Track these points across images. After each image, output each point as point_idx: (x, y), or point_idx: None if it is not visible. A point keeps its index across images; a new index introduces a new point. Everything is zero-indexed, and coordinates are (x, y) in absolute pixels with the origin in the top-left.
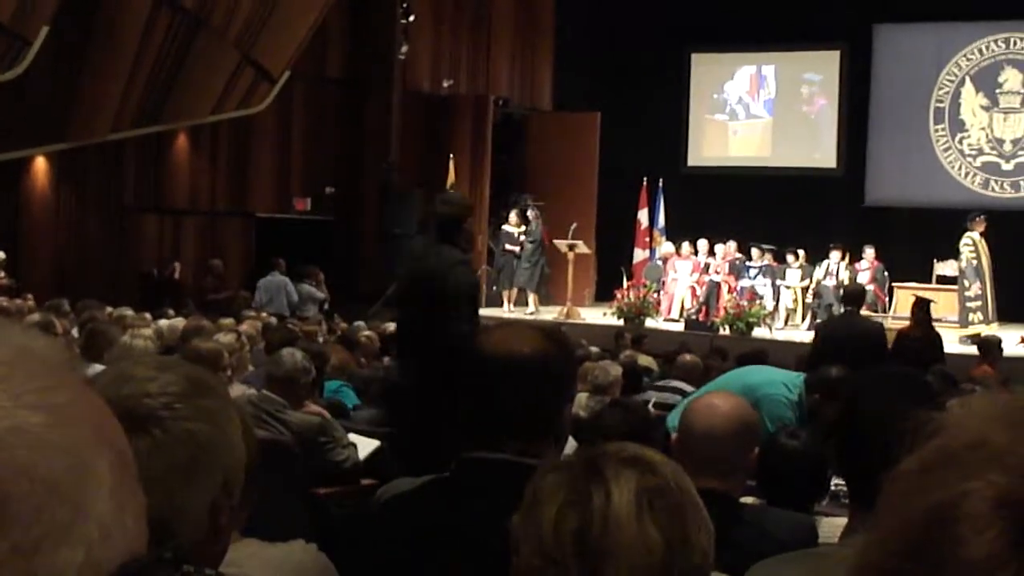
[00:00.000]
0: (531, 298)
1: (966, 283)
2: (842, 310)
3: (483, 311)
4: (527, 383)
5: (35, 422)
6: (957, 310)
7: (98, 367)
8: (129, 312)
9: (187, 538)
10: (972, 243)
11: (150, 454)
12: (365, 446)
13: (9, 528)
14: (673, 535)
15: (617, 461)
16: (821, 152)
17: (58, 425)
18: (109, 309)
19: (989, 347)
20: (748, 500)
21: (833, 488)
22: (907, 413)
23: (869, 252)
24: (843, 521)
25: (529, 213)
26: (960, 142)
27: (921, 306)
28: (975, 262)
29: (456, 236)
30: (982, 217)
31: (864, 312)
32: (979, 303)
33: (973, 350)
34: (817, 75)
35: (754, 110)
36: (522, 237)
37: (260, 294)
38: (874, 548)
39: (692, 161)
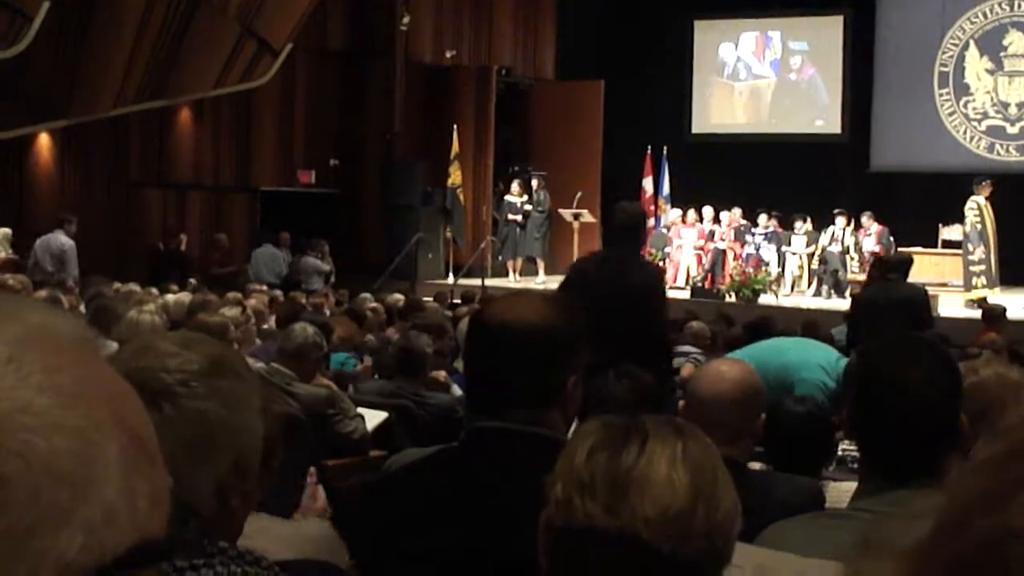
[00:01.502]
0: (541, 267)
1: (970, 247)
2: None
3: (489, 282)
4: (532, 352)
5: (41, 403)
6: (962, 274)
7: (107, 343)
8: (136, 287)
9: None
10: (977, 207)
11: (158, 430)
12: (373, 417)
13: (4, 510)
14: (702, 486)
15: (657, 422)
16: (822, 118)
17: (65, 406)
18: (116, 284)
19: (994, 315)
20: (756, 466)
21: (840, 453)
22: (922, 378)
23: (867, 219)
24: (850, 486)
25: (534, 183)
26: (965, 106)
27: (879, 264)
28: (979, 226)
29: (635, 240)
30: (988, 181)
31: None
32: (983, 267)
33: (977, 314)
34: (807, 43)
35: (758, 72)
36: (527, 207)
37: (253, 265)
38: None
39: (696, 128)
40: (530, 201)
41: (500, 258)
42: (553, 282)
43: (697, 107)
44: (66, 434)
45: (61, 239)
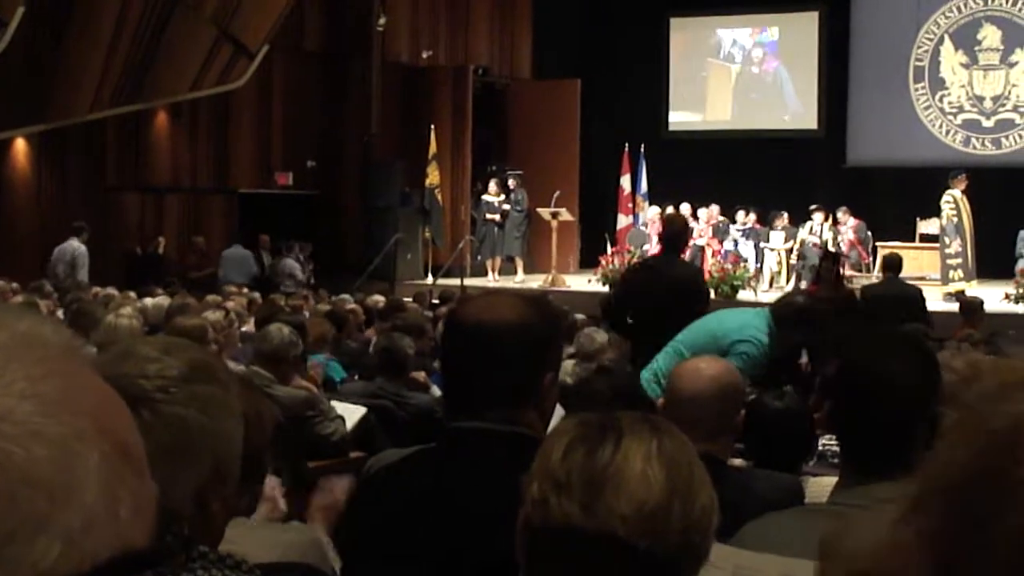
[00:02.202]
0: (520, 266)
1: (947, 240)
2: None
3: (468, 281)
4: (508, 350)
5: (22, 411)
6: (939, 268)
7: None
8: (114, 291)
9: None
10: (953, 200)
11: None
12: (352, 413)
13: None
14: (677, 483)
15: (632, 419)
16: (798, 114)
17: (46, 414)
18: (95, 289)
19: (972, 308)
20: (736, 462)
21: (821, 448)
22: (901, 372)
23: (844, 214)
24: (831, 480)
25: (511, 182)
26: (940, 100)
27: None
28: (956, 219)
29: (682, 247)
30: (964, 175)
31: (848, 272)
32: (959, 260)
33: (955, 307)
34: (782, 39)
35: (735, 68)
36: (505, 206)
37: (223, 266)
38: (935, 475)
39: (674, 126)
40: (508, 200)
41: (479, 258)
42: (533, 281)
43: (674, 104)
44: (46, 442)
45: (75, 245)
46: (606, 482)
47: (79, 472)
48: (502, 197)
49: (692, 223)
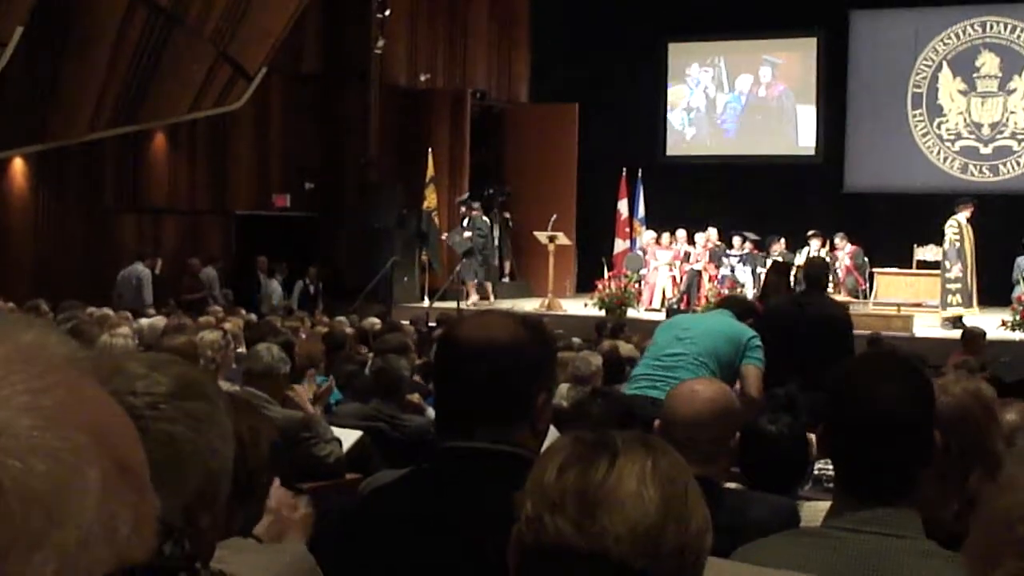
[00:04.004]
0: (471, 288)
1: (947, 264)
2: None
3: (464, 305)
4: (500, 369)
5: (21, 424)
6: (939, 293)
7: None
8: (109, 311)
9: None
10: (957, 226)
11: None
12: (348, 437)
13: None
14: (672, 503)
15: (627, 438)
16: (796, 139)
17: (46, 428)
18: (91, 309)
19: (973, 338)
20: (731, 485)
21: (816, 472)
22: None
23: (841, 240)
24: (825, 505)
25: (462, 208)
26: (938, 127)
27: (776, 270)
28: (958, 244)
29: (824, 282)
30: (971, 202)
31: (844, 298)
32: (959, 286)
33: (953, 334)
34: (780, 65)
35: (732, 94)
36: (467, 233)
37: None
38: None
39: (671, 151)
40: (469, 227)
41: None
42: (528, 304)
43: (671, 129)
44: (44, 457)
45: (140, 269)
46: (600, 501)
47: (77, 488)
48: (465, 223)
49: (689, 248)
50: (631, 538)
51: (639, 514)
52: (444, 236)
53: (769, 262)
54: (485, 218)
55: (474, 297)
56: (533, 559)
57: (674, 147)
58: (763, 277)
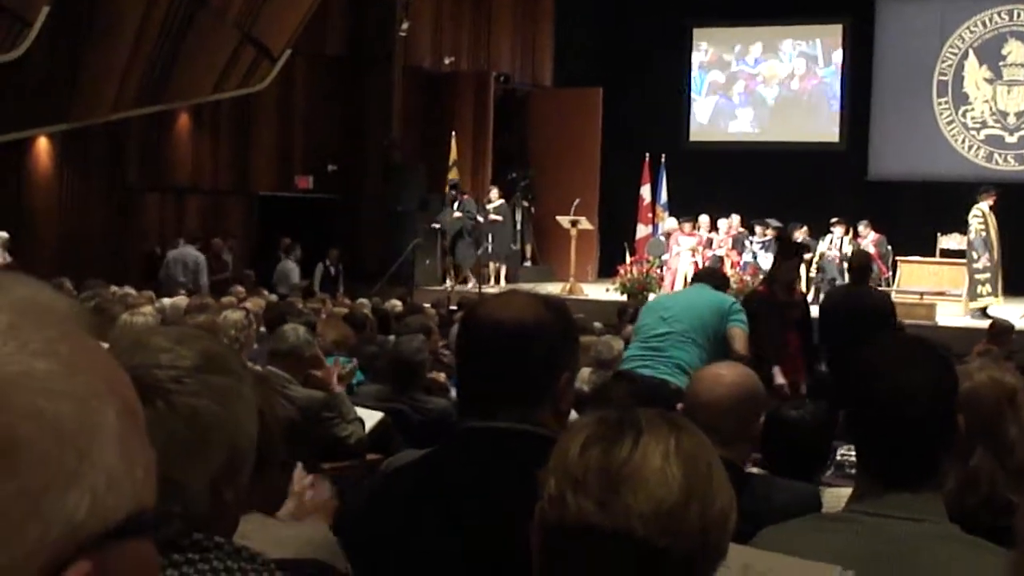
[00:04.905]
0: (492, 272)
1: (975, 255)
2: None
3: (485, 288)
4: (524, 349)
5: (43, 368)
6: (965, 283)
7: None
8: (131, 291)
9: (187, 511)
10: (981, 215)
11: (150, 426)
12: (370, 417)
13: (16, 471)
14: (696, 481)
15: (651, 416)
16: (821, 126)
17: (65, 373)
18: (113, 288)
19: (1001, 331)
20: (753, 471)
21: (839, 458)
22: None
23: (864, 228)
24: (846, 492)
25: (452, 192)
26: (963, 115)
27: (788, 250)
28: (984, 234)
29: (869, 277)
30: (992, 190)
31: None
32: (988, 275)
33: (980, 324)
34: (814, 49)
35: (756, 80)
36: (457, 214)
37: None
38: None
39: (695, 136)
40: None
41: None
42: (551, 288)
43: (695, 115)
44: (69, 399)
45: (194, 253)
46: (624, 479)
47: (100, 430)
48: (500, 202)
49: (711, 234)
50: (655, 516)
51: (663, 492)
52: (435, 224)
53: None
54: (501, 201)
55: (493, 282)
56: (556, 537)
57: (697, 133)
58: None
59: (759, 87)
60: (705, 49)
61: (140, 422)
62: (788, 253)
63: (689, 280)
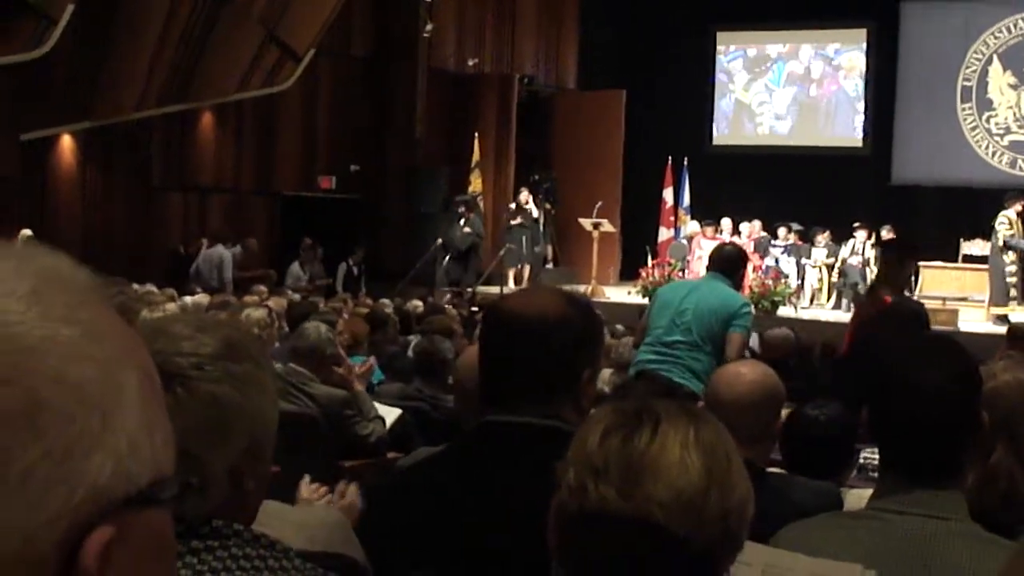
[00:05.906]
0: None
1: (1005, 260)
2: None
3: (508, 289)
4: (546, 343)
5: (66, 334)
6: (988, 289)
7: None
8: (153, 288)
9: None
10: (1008, 222)
11: (171, 412)
12: (389, 414)
13: (42, 433)
14: (715, 470)
15: (669, 407)
16: (844, 131)
17: (88, 338)
18: (136, 286)
19: (1020, 336)
20: (772, 471)
21: (862, 461)
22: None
23: (887, 233)
24: (868, 493)
25: (461, 208)
26: (987, 121)
27: (898, 248)
28: (1015, 238)
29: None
30: (1021, 197)
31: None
32: (1016, 279)
33: (1001, 329)
34: (838, 54)
35: (779, 84)
36: (467, 229)
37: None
38: None
39: (718, 140)
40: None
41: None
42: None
43: (718, 118)
44: (92, 363)
45: (222, 252)
46: (644, 468)
47: (122, 395)
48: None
49: (734, 238)
50: (675, 504)
51: (683, 481)
52: (439, 241)
53: (815, 252)
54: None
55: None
56: (576, 526)
57: (721, 136)
58: (879, 259)
59: (782, 92)
60: (729, 53)
61: (159, 390)
62: (906, 252)
63: (753, 294)
